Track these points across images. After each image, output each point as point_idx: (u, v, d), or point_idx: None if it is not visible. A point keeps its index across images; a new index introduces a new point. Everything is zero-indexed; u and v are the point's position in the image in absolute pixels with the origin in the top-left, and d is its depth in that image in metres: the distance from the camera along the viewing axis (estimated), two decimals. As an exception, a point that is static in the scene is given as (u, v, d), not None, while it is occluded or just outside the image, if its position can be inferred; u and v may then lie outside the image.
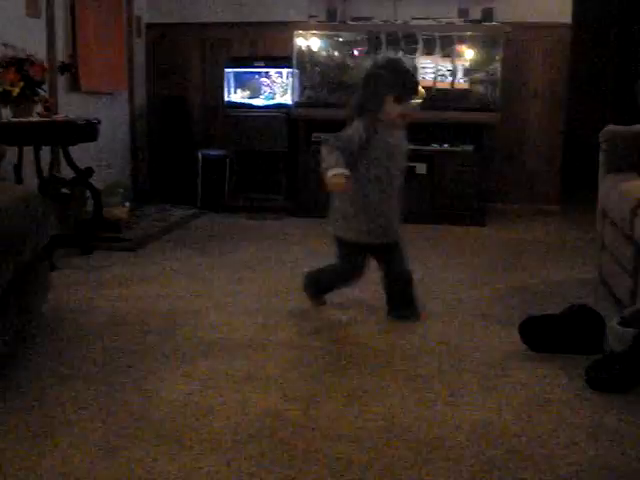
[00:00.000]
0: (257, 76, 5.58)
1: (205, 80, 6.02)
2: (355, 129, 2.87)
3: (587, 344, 2.61)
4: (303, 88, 5.51)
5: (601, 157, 3.66)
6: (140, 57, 5.99)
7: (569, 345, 2.62)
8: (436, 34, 5.26)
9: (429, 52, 5.31)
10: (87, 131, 4.00)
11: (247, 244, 4.43)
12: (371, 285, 3.20)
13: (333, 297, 3.21)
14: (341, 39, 5.56)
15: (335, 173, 2.79)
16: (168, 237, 4.64)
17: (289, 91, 5.46)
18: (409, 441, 1.97)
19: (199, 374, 2.42)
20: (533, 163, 5.74)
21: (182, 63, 6.05)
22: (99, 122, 4.10)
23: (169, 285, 3.50)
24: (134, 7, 5.79)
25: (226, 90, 5.58)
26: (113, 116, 5.51)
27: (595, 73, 7.53)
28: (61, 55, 4.75)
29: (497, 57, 5.20)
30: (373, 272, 3.08)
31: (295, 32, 5.40)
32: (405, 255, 3.05)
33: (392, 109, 2.85)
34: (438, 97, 5.25)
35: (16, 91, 3.71)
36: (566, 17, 5.52)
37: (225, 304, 3.20)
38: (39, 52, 4.24)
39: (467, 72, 5.32)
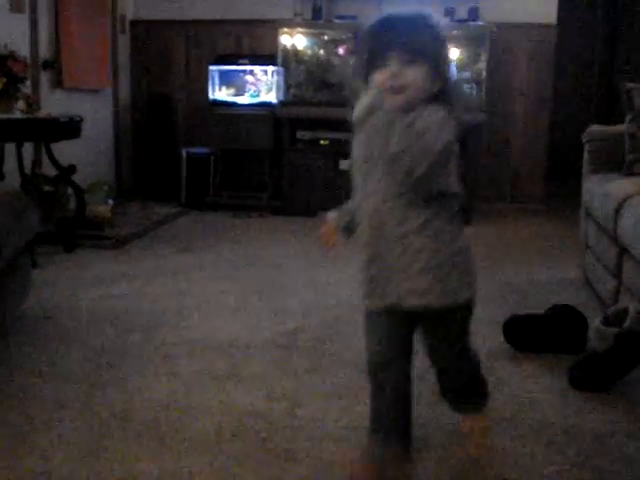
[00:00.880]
0: (242, 74, 5.57)
1: (190, 77, 6.00)
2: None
3: (570, 343, 2.62)
4: (288, 86, 5.50)
5: (585, 157, 3.67)
6: (124, 54, 5.96)
7: (552, 344, 2.62)
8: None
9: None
10: (70, 128, 3.98)
11: (231, 242, 4.41)
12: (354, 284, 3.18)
13: (322, 297, 3.20)
14: (326, 37, 5.56)
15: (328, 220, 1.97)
16: (152, 235, 4.62)
17: (274, 89, 5.44)
18: (392, 440, 1.96)
19: (182, 373, 2.41)
20: (518, 162, 5.76)
21: (167, 60, 6.02)
22: (82, 119, 4.08)
23: (152, 283, 3.48)
24: (118, 4, 5.76)
25: (211, 88, 5.56)
26: (97, 113, 5.47)
27: (580, 73, 7.56)
28: (44, 51, 4.72)
29: (482, 56, 5.21)
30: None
31: (280, 30, 5.39)
32: (460, 338, 1.85)
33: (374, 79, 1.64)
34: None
35: (-1, 87, 3.69)
36: (551, 17, 5.55)
37: (209, 303, 3.19)
38: (22, 48, 4.22)
39: (453, 71, 5.32)
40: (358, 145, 1.70)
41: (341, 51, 5.55)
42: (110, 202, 4.79)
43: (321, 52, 5.59)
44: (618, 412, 2.16)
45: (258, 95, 5.51)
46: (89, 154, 5.32)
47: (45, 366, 2.44)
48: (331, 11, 5.58)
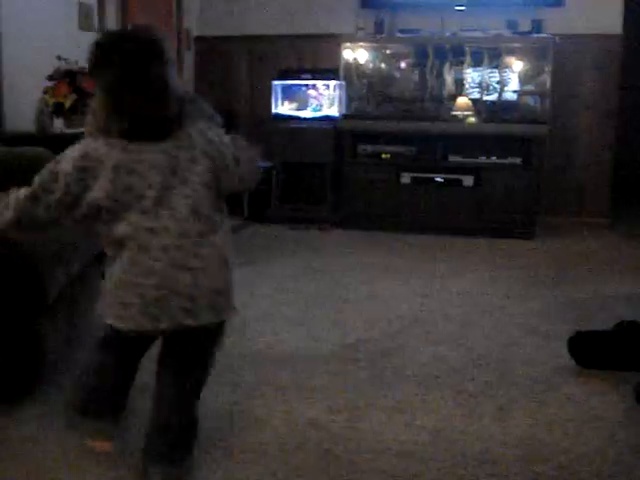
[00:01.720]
0: (304, 88, 5.61)
1: (253, 92, 6.07)
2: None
3: (637, 360, 2.56)
4: (350, 100, 5.52)
5: (653, 170, 3.60)
6: (189, 69, 6.07)
7: (618, 361, 2.57)
8: (484, 46, 5.24)
9: (477, 64, 5.28)
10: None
11: (292, 255, 4.44)
12: (416, 297, 3.18)
13: (383, 311, 3.21)
14: (388, 51, 5.57)
15: None
16: (215, 247, 4.67)
17: (336, 103, 5.48)
18: (455, 455, 1.95)
19: (245, 384, 2.43)
20: (583, 176, 5.66)
21: (230, 75, 6.12)
22: (148, 133, 4.16)
23: (216, 295, 3.52)
24: (184, 20, 5.88)
25: (273, 102, 5.62)
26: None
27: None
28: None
29: (546, 69, 5.15)
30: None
31: (342, 44, 5.42)
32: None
33: None
34: (486, 109, 5.22)
35: (69, 103, 3.79)
36: (616, 27, 5.45)
37: (271, 314, 3.22)
38: (91, 65, 4.32)
39: (516, 84, 5.29)
40: None
41: (403, 65, 5.56)
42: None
43: (383, 66, 5.60)
44: (688, 431, 2.11)
45: (320, 109, 5.55)
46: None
47: (112, 375, 2.49)
48: (393, 25, 5.59)
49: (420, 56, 5.42)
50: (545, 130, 5.04)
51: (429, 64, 5.34)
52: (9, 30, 3.81)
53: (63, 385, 2.37)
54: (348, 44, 5.45)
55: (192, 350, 1.84)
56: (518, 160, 5.08)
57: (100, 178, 1.70)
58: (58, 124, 3.86)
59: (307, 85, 5.60)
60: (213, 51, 6.13)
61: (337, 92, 5.46)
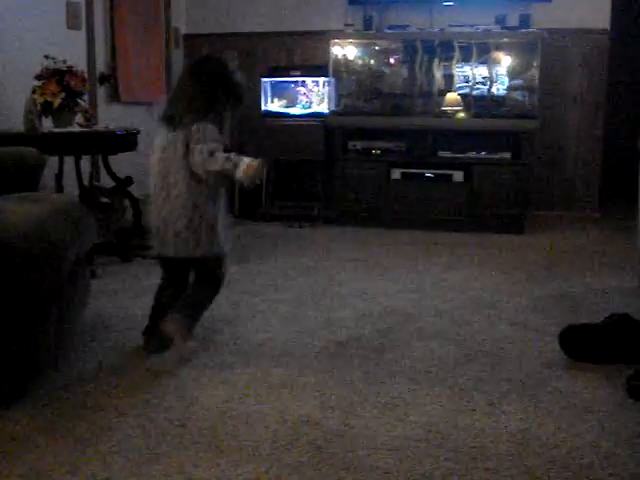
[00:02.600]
0: (294, 85, 5.61)
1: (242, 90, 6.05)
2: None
3: (628, 353, 2.58)
4: (339, 97, 5.53)
5: (641, 164, 3.62)
6: (178, 67, 6.04)
7: (610, 354, 2.58)
8: (473, 41, 5.25)
9: (466, 59, 5.29)
10: (127, 141, 4.06)
11: (284, 252, 4.44)
12: (407, 294, 3.19)
13: (375, 307, 3.22)
14: (377, 47, 5.57)
15: (250, 159, 2.57)
16: (206, 245, 4.66)
17: (326, 100, 5.48)
18: (448, 450, 1.96)
19: (238, 381, 2.43)
20: (572, 170, 5.69)
21: (219, 73, 6.09)
22: (138, 132, 4.15)
23: (207, 293, 3.52)
24: (172, 18, 5.87)
25: (263, 99, 5.62)
26: (152, 126, 5.56)
27: (635, 78, 7.43)
28: (101, 66, 4.83)
29: (535, 63, 5.16)
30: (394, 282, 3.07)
31: (331, 41, 5.42)
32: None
33: None
34: (475, 104, 5.23)
35: (57, 102, 3.78)
36: (604, 22, 5.47)
37: (263, 312, 3.22)
38: (79, 63, 4.32)
39: (505, 79, 5.30)
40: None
41: (392, 61, 5.56)
42: (165, 213, 4.85)
43: (372, 62, 5.60)
44: (679, 423, 2.13)
45: (310, 106, 5.55)
46: (145, 166, 5.40)
47: (103, 374, 2.49)
48: (382, 21, 5.59)
49: (409, 52, 5.42)
50: (534, 125, 5.05)
51: (418, 60, 5.35)
52: (-4, 29, 3.80)
53: (56, 384, 2.37)
54: (337, 40, 5.44)
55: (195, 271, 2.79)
56: (507, 155, 5.09)
57: None
58: (47, 123, 3.85)
59: (296, 82, 5.60)
60: (202, 49, 6.11)
61: (326, 89, 5.47)
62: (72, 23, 4.49)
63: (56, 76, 3.80)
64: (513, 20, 5.30)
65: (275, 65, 5.86)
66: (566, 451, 1.96)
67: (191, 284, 2.79)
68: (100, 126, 4.16)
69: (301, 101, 5.59)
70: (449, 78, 5.34)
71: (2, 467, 1.87)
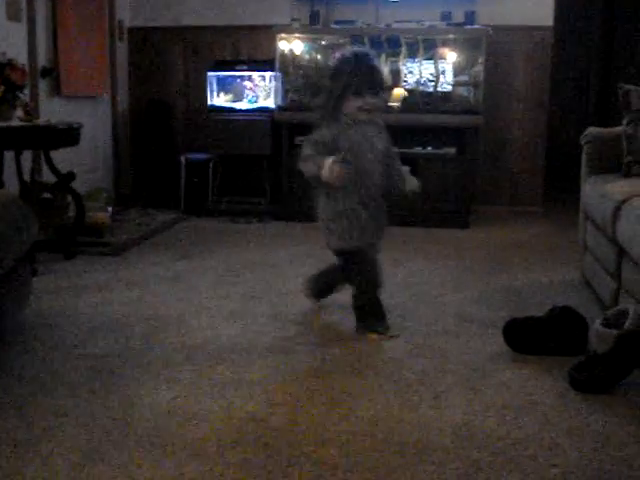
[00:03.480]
0: (240, 80, 5.57)
1: (188, 84, 6.01)
2: (325, 130, 2.86)
3: (570, 345, 2.62)
4: (286, 91, 5.50)
5: (583, 159, 3.68)
6: (122, 61, 5.97)
7: (552, 347, 2.62)
8: (419, 37, 5.27)
9: (412, 55, 5.32)
10: (69, 135, 3.98)
11: (231, 248, 4.41)
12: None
13: (322, 301, 3.21)
14: (324, 42, 5.56)
15: (333, 160, 2.72)
16: (151, 241, 4.62)
17: (272, 94, 5.46)
18: (393, 444, 1.96)
19: (182, 380, 2.41)
20: (516, 165, 5.76)
21: (165, 67, 6.04)
22: (81, 126, 4.08)
23: (152, 290, 3.48)
24: (116, 11, 5.77)
25: (209, 94, 5.57)
26: (95, 120, 5.48)
27: (577, 74, 7.57)
28: (42, 59, 4.73)
29: (480, 60, 5.21)
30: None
31: (278, 35, 5.40)
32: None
33: (351, 103, 2.81)
34: (421, 100, 5.26)
35: (-3, 95, 3.69)
36: (548, 19, 5.55)
37: (208, 308, 3.19)
38: (20, 56, 4.22)
39: (450, 75, 5.33)
40: (348, 143, 2.82)
41: (338, 56, 5.54)
42: (109, 209, 4.79)
43: (319, 57, 5.59)
44: (619, 414, 2.16)
45: (256, 101, 5.52)
46: (88, 161, 5.33)
47: (45, 374, 2.44)
48: (328, 16, 5.59)
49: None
50: (479, 120, 5.10)
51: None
52: None
53: (-6, 385, 2.31)
54: (283, 35, 5.42)
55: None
56: (453, 150, 5.13)
57: None
58: (-14, 117, 3.76)
59: (243, 77, 5.56)
60: (147, 42, 6.04)
61: (273, 83, 5.44)
62: (12, 15, 4.38)
63: (-5, 69, 3.71)
64: (459, 17, 5.34)
65: (221, 59, 5.81)
66: (510, 443, 1.98)
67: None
68: (41, 120, 4.08)
69: (247, 96, 5.55)
70: (396, 74, 5.35)
71: (-63, 471, 1.82)
